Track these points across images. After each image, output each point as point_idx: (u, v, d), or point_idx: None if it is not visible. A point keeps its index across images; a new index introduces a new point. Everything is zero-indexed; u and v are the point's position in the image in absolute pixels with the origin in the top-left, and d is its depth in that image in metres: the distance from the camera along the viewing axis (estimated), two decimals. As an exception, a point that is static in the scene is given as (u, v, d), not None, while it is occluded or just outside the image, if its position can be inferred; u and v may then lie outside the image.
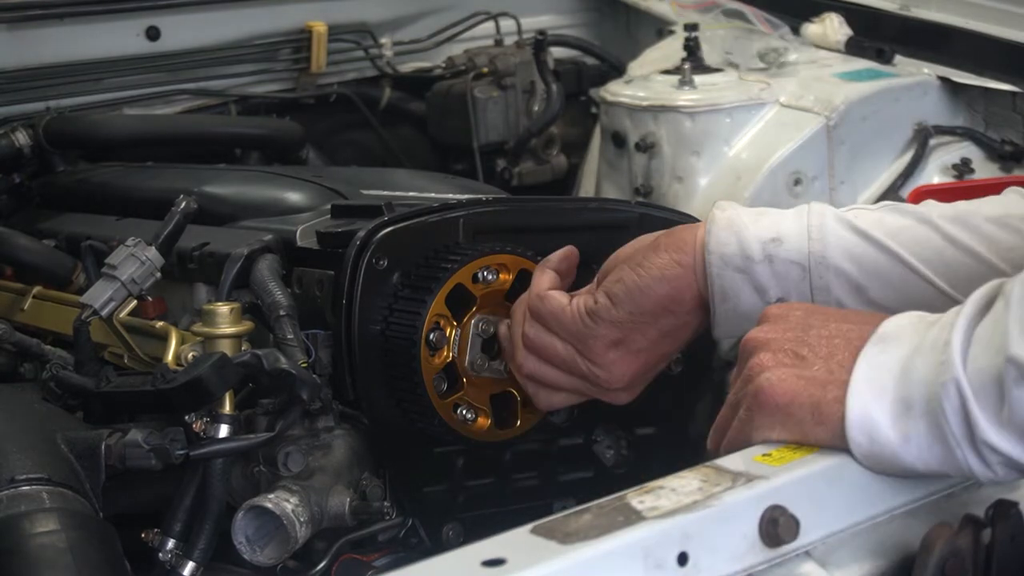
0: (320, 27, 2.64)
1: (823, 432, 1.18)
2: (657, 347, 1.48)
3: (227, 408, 1.47)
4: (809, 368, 1.19)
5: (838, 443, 1.17)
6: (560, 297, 1.50)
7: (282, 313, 1.52)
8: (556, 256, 1.55)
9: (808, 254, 1.41)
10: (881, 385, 1.15)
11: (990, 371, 1.09)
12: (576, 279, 1.59)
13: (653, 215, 1.74)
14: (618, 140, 2.29)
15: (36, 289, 1.89)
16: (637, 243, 1.51)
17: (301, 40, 2.65)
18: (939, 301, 1.36)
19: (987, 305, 1.14)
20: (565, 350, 1.49)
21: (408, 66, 2.78)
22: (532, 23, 2.82)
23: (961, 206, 1.43)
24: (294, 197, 1.85)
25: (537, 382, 1.53)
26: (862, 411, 1.15)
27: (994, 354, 1.09)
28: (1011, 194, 1.44)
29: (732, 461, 1.17)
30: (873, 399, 1.15)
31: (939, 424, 1.11)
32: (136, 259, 1.59)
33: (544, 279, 1.52)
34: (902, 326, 1.19)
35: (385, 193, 1.84)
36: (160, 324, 1.62)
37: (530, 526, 1.06)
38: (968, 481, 1.23)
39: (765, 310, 1.29)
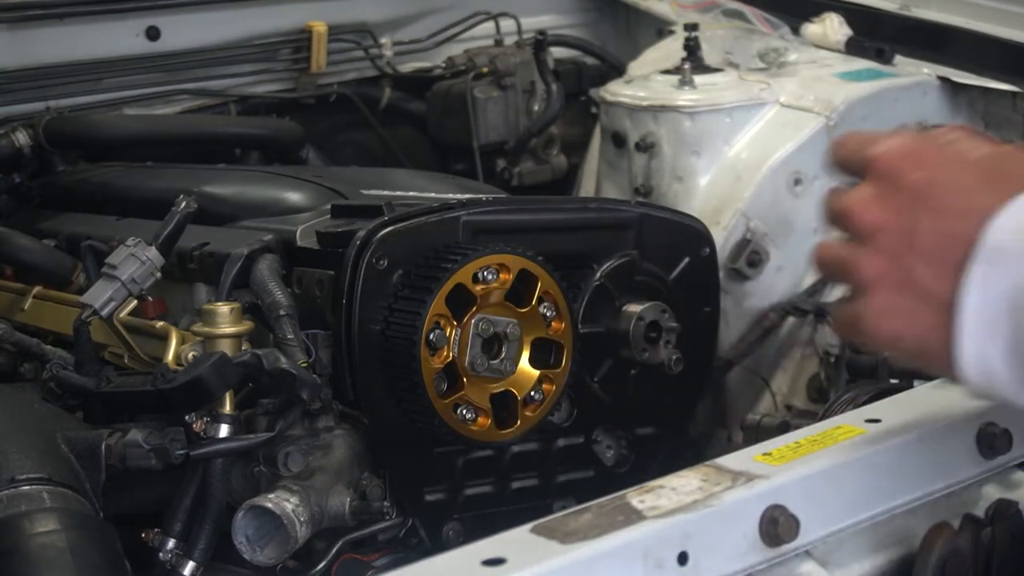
0: (320, 27, 2.63)
1: (931, 365, 1.11)
2: None
3: (227, 408, 1.47)
4: (914, 297, 1.11)
5: (945, 375, 1.11)
6: None
7: (282, 313, 1.52)
8: None
9: None
10: (993, 321, 1.07)
11: None
12: (575, 279, 1.59)
13: (653, 215, 1.74)
14: (618, 140, 2.28)
15: (36, 289, 1.89)
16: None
17: (301, 40, 2.64)
18: None
19: None
20: None
21: (408, 66, 2.77)
22: (532, 23, 2.81)
23: None
24: (294, 197, 1.85)
25: None
26: (978, 354, 1.07)
27: None
28: None
29: (732, 460, 1.17)
30: (987, 339, 1.07)
31: None
32: (136, 259, 1.59)
33: None
34: (1014, 231, 1.07)
35: (385, 193, 1.83)
36: (160, 324, 1.62)
37: (530, 526, 1.06)
38: (968, 481, 1.24)
39: (874, 156, 1.19)
